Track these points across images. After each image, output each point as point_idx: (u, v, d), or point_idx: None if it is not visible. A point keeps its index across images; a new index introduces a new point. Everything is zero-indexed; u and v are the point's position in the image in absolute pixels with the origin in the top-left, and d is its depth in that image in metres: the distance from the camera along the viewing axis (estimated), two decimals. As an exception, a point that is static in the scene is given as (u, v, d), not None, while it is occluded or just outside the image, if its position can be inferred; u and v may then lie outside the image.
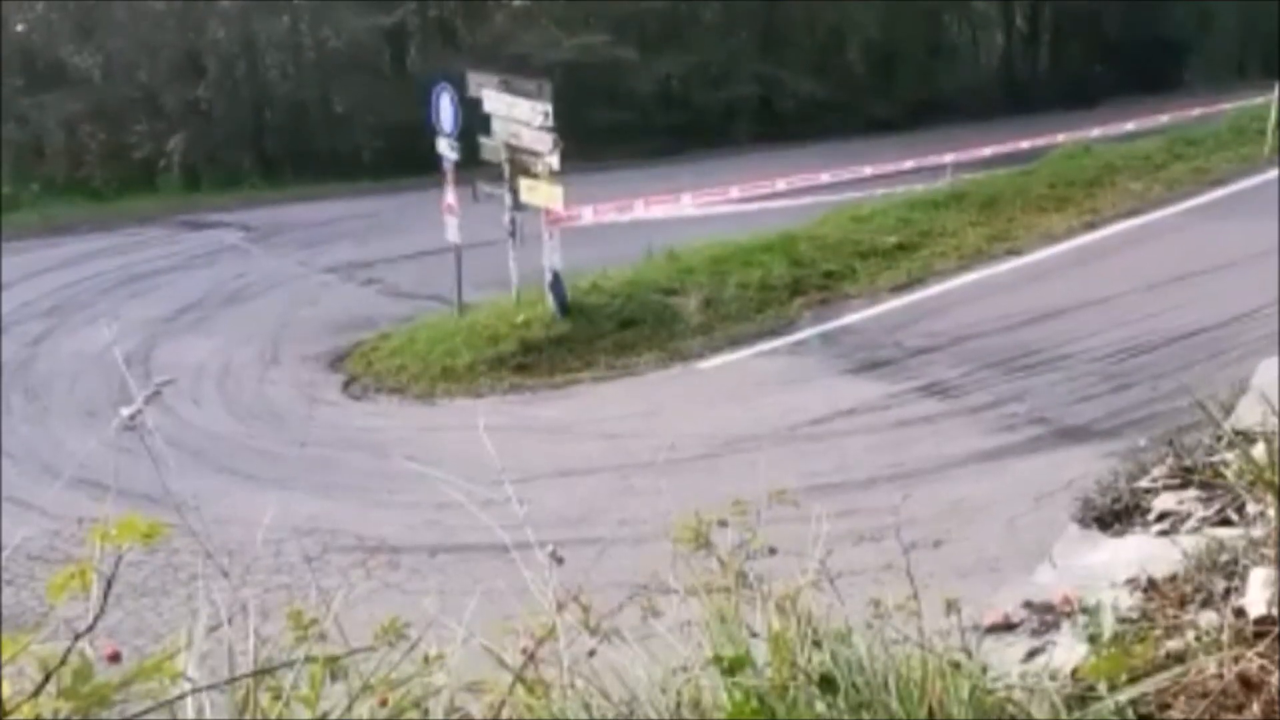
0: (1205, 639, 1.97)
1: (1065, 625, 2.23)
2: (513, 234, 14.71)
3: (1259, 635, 1.95)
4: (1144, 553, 2.48)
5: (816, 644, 2.05)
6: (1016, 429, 11.33)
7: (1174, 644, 1.98)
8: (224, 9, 28.26)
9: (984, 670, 1.97)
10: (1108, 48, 35.24)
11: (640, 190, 17.37)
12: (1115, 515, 2.90)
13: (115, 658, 1.63)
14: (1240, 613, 2.02)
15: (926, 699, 1.91)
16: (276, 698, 1.84)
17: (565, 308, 14.53)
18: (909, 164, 20.00)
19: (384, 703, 1.90)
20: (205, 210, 23.04)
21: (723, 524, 2.55)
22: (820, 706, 1.93)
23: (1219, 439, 2.90)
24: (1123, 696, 1.85)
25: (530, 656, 2.00)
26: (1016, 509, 9.54)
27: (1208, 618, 2.04)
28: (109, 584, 1.64)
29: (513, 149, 14.31)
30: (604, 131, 26.13)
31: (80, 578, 1.65)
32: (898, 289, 15.76)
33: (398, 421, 13.01)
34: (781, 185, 18.56)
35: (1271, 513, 2.38)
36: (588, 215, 15.68)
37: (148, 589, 8.54)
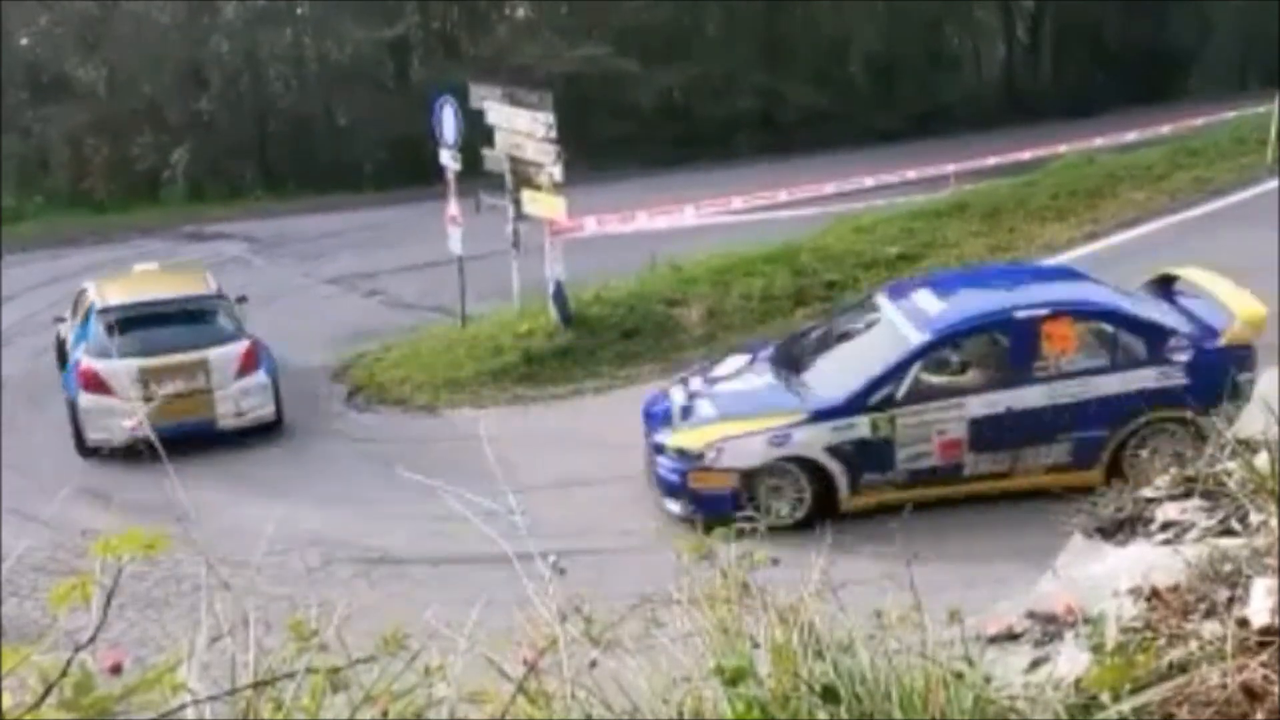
0: (1208, 649, 1.96)
1: (1068, 635, 2.23)
2: (515, 245, 14.73)
3: (1262, 645, 1.94)
4: (1147, 562, 2.47)
5: (819, 654, 2.04)
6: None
7: (1177, 654, 1.98)
8: (227, 22, 28.36)
9: (987, 680, 1.96)
10: (1109, 58, 35.27)
11: (643, 201, 17.39)
12: (1118, 524, 2.89)
13: (116, 669, 1.63)
14: (1243, 623, 2.02)
15: (929, 709, 1.91)
16: (278, 709, 1.83)
17: (568, 318, 14.54)
18: (911, 174, 20.02)
19: (385, 713, 1.89)
20: (208, 222, 23.09)
21: (725, 533, 2.55)
22: (823, 717, 1.93)
23: (1222, 448, 2.90)
24: (1126, 706, 1.85)
25: (532, 667, 2.00)
26: (1019, 517, 9.52)
27: (1211, 627, 2.04)
28: (109, 596, 1.64)
29: (515, 160, 14.34)
30: (606, 142, 26.19)
31: (82, 589, 1.65)
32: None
33: (401, 432, 13.01)
34: (784, 196, 18.57)
35: (1274, 522, 2.38)
36: (590, 226, 15.70)
37: (151, 599, 8.54)
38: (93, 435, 11.65)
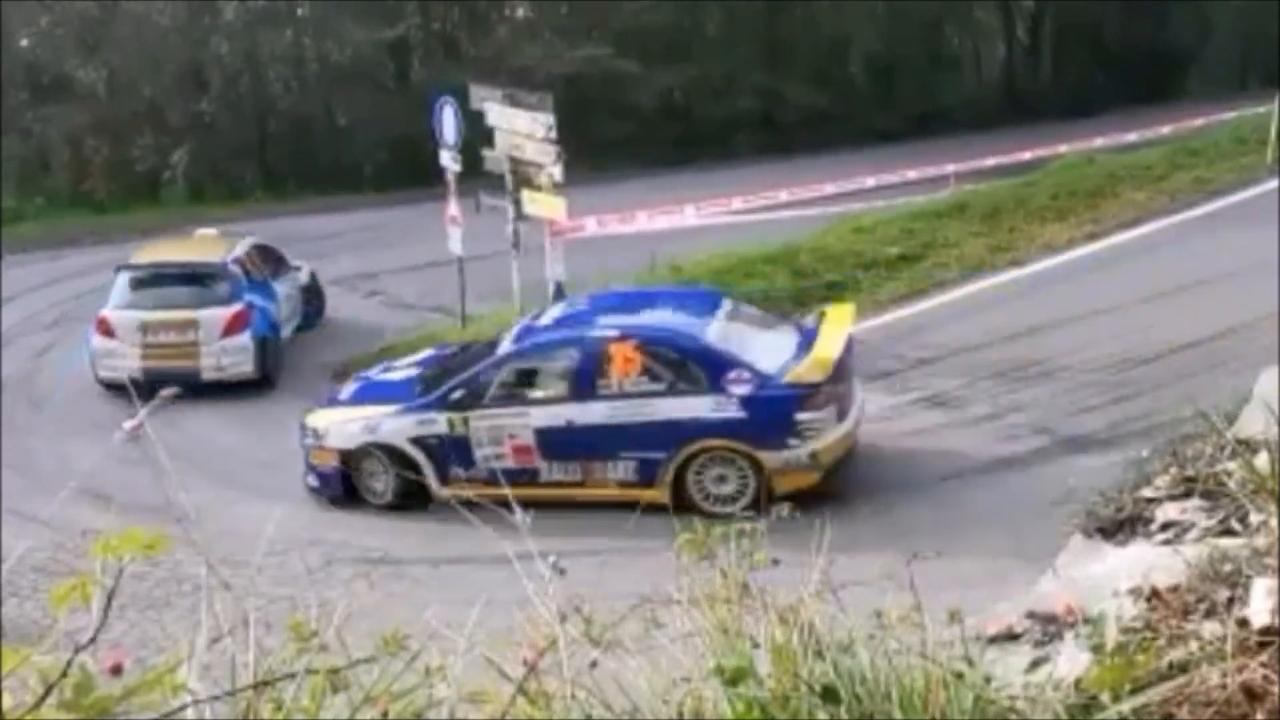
0: (1208, 649, 1.96)
1: (1068, 635, 2.23)
2: (515, 245, 14.73)
3: (1262, 645, 1.94)
4: (1147, 562, 2.48)
5: (819, 654, 2.04)
6: (1019, 440, 11.32)
7: (1177, 654, 1.98)
8: (227, 23, 28.35)
9: (987, 680, 1.96)
10: (1109, 58, 35.24)
11: (643, 201, 17.39)
12: (1118, 525, 2.89)
13: (117, 670, 1.63)
14: (1243, 623, 2.02)
15: (929, 709, 1.91)
16: (278, 709, 1.83)
17: (568, 319, 14.52)
18: (911, 175, 20.01)
19: (385, 714, 1.89)
20: (209, 223, 22.95)
21: (725, 535, 2.55)
22: (822, 717, 1.93)
23: (1222, 448, 2.90)
24: (1126, 706, 1.85)
25: (532, 667, 2.00)
26: (1019, 517, 9.53)
27: (1211, 628, 2.04)
28: (109, 596, 1.64)
29: (515, 161, 14.33)
30: (606, 143, 26.17)
31: (82, 590, 1.65)
32: (900, 300, 15.73)
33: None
34: (784, 196, 18.56)
35: (1274, 522, 2.38)
36: (591, 226, 15.69)
37: (152, 600, 8.53)
38: (101, 373, 13.65)
